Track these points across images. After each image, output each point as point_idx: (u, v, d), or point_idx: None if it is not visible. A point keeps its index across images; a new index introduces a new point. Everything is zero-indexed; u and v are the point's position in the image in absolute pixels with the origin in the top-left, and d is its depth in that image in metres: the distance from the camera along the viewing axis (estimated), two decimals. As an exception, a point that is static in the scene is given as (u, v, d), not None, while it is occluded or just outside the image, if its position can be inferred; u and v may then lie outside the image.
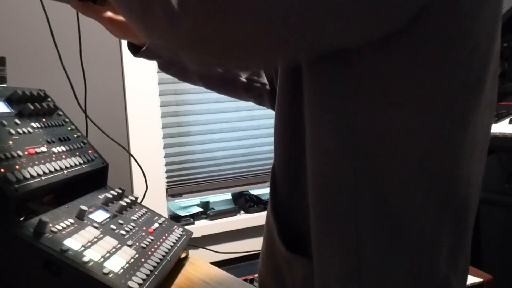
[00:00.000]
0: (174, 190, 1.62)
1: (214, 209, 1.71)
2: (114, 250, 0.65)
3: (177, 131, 1.60)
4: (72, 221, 0.66)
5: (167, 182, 1.61)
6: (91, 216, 0.71)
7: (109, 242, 0.66)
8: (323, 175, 0.54)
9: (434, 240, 0.55)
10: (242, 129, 1.70)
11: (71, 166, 0.75)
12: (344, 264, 0.53)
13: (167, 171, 1.60)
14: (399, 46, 0.48)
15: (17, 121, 0.73)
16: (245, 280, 1.25)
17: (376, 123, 0.51)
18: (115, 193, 0.82)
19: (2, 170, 0.60)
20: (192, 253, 0.89)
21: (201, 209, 1.68)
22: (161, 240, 0.77)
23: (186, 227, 0.91)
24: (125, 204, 0.80)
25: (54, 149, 0.75)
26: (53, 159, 0.73)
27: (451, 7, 0.47)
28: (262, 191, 1.80)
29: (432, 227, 0.55)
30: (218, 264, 0.97)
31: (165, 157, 1.59)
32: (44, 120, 0.81)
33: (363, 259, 0.53)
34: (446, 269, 0.57)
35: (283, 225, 0.62)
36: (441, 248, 0.56)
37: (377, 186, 0.52)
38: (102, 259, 0.61)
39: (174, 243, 0.79)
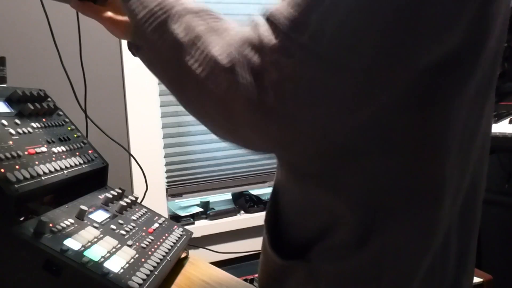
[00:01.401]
0: (174, 190, 1.62)
1: (214, 209, 1.71)
2: (114, 250, 0.65)
3: (177, 131, 1.60)
4: (72, 221, 0.66)
5: (167, 182, 1.61)
6: (91, 216, 0.71)
7: (109, 242, 0.66)
8: None
9: (445, 244, 0.57)
10: (242, 129, 1.70)
11: (71, 166, 0.75)
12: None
13: (167, 171, 1.60)
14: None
15: (17, 121, 0.73)
16: (245, 280, 1.25)
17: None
18: (115, 193, 0.82)
19: (2, 170, 0.60)
20: (192, 253, 0.89)
21: (201, 209, 1.68)
22: (161, 240, 0.77)
23: (186, 227, 0.91)
24: (125, 204, 0.80)
25: (54, 149, 0.75)
26: (53, 159, 0.73)
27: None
28: (262, 191, 1.80)
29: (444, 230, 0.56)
30: (218, 264, 0.97)
31: (165, 157, 1.59)
32: (44, 120, 0.81)
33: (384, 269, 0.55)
34: (455, 270, 0.59)
35: (275, 234, 0.63)
36: (450, 250, 0.58)
37: None
38: (102, 259, 0.61)
39: (174, 243, 0.79)
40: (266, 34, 0.44)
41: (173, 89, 0.55)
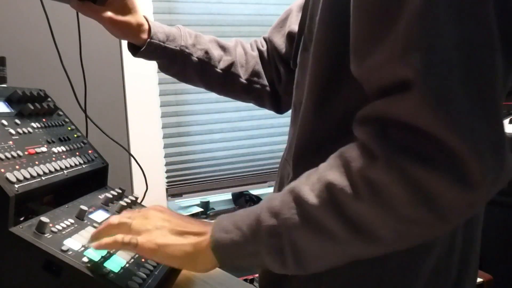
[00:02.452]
0: (174, 190, 1.62)
1: (214, 209, 1.71)
2: (114, 250, 0.65)
3: (177, 131, 1.60)
4: (72, 221, 0.66)
5: (167, 182, 1.61)
6: (91, 216, 0.71)
7: (109, 242, 0.66)
8: None
9: (451, 245, 0.57)
10: (242, 129, 1.70)
11: (71, 166, 0.75)
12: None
13: (167, 171, 1.60)
14: None
15: (17, 121, 0.73)
16: (245, 280, 1.24)
17: None
18: (115, 193, 0.82)
19: (2, 170, 0.60)
20: (192, 253, 0.88)
21: (201, 209, 1.68)
22: (161, 240, 0.77)
23: (186, 227, 0.91)
24: (125, 204, 0.80)
25: (54, 149, 0.75)
26: (53, 159, 0.73)
27: None
28: (262, 191, 1.80)
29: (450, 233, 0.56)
30: (218, 264, 0.97)
31: (165, 157, 1.59)
32: (44, 120, 0.81)
33: (387, 269, 0.55)
34: (458, 273, 0.59)
35: None
36: (455, 253, 0.58)
37: None
38: (102, 259, 0.61)
39: (174, 243, 0.79)
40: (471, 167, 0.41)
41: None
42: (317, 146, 0.58)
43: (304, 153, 0.60)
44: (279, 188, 0.71)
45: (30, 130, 0.74)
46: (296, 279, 0.60)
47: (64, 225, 0.64)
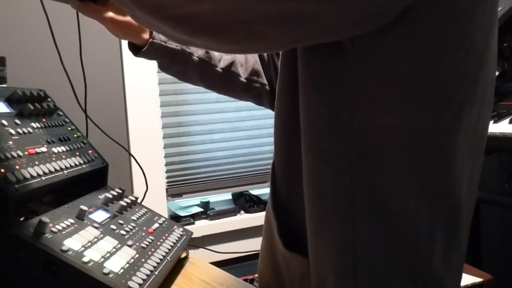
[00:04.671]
0: (174, 190, 1.62)
1: (214, 209, 1.71)
2: (114, 250, 0.65)
3: (177, 131, 1.60)
4: (72, 221, 0.66)
5: (167, 182, 1.61)
6: (91, 216, 0.71)
7: (109, 242, 0.66)
8: (318, 173, 0.53)
9: (428, 239, 0.55)
10: (242, 129, 1.70)
11: (71, 166, 0.75)
12: (340, 262, 0.53)
13: (167, 171, 1.60)
14: (394, 46, 0.48)
15: (17, 121, 0.73)
16: (245, 280, 1.25)
17: (371, 122, 0.51)
18: (115, 193, 0.82)
19: (2, 170, 0.60)
20: (192, 253, 0.89)
21: (201, 209, 1.68)
22: (161, 240, 0.77)
23: (186, 227, 0.91)
24: (125, 204, 0.80)
25: (54, 149, 0.75)
26: (53, 159, 0.73)
27: (447, 6, 0.47)
28: (262, 191, 1.80)
29: (427, 225, 0.55)
30: (218, 264, 0.97)
31: (165, 157, 1.59)
32: (44, 120, 0.81)
33: (359, 256, 0.53)
34: (440, 268, 0.57)
35: (283, 222, 0.63)
36: (435, 247, 0.56)
37: (373, 185, 0.52)
38: (102, 259, 0.61)
39: (174, 243, 0.79)
40: None
41: None
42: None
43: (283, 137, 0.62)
44: (272, 186, 0.71)
45: (30, 130, 0.74)
46: (291, 272, 0.60)
47: (64, 225, 0.64)
